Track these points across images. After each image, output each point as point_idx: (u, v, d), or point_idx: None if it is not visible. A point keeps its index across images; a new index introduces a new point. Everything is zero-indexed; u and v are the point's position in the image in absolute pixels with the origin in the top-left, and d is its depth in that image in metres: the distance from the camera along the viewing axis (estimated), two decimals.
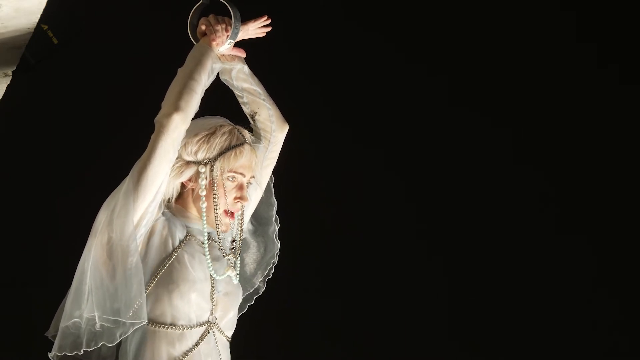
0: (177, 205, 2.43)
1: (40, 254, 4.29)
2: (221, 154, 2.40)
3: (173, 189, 2.42)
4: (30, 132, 4.39)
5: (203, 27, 2.43)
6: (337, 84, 4.41)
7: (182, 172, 2.39)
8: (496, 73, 4.35)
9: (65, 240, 3.23)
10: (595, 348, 4.15)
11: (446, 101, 4.38)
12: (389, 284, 4.34)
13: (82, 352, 2.23)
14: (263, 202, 2.62)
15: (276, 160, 2.61)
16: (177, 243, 2.37)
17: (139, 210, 2.25)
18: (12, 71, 3.17)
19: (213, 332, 2.38)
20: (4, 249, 4.34)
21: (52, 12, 2.98)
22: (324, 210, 4.37)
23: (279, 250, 2.64)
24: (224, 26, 2.42)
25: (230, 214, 2.42)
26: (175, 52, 2.49)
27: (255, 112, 2.56)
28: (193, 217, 2.42)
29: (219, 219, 2.39)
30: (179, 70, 2.36)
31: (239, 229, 2.47)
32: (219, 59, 2.44)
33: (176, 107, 2.28)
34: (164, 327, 2.31)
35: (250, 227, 2.64)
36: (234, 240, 2.46)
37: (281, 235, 2.66)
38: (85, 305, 2.21)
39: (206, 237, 2.40)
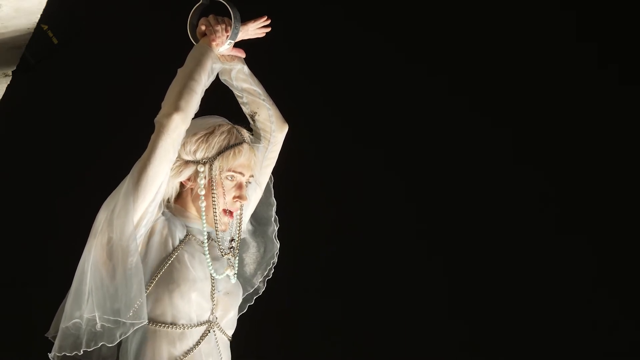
0: (176, 205, 2.43)
1: (40, 254, 4.30)
2: (220, 153, 2.40)
3: (172, 189, 2.42)
4: (30, 132, 4.39)
5: (203, 28, 2.43)
6: (337, 84, 4.41)
7: (181, 171, 2.39)
8: (496, 73, 4.35)
9: (65, 240, 3.23)
10: (595, 348, 4.15)
11: (446, 101, 4.38)
12: (389, 284, 4.34)
13: (82, 352, 2.23)
14: (262, 202, 2.62)
15: (276, 160, 2.61)
16: (177, 243, 2.37)
17: (139, 210, 2.26)
18: (12, 71, 3.17)
19: (214, 331, 2.38)
20: (4, 249, 4.34)
21: (52, 12, 2.98)
22: (324, 210, 4.37)
23: (279, 250, 2.65)
24: (223, 26, 2.42)
25: (229, 213, 2.42)
26: (175, 52, 2.49)
27: (255, 112, 2.56)
28: (192, 217, 2.42)
29: (218, 218, 2.40)
30: (179, 70, 2.36)
31: (238, 228, 2.47)
32: (219, 59, 2.44)
33: (176, 107, 2.28)
34: (164, 326, 2.31)
35: (250, 227, 2.64)
36: (232, 240, 2.46)
37: (281, 235, 2.66)
38: (85, 305, 2.21)
39: (206, 237, 2.40)
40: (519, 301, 4.24)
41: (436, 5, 4.40)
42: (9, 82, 3.21)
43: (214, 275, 2.38)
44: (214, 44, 2.41)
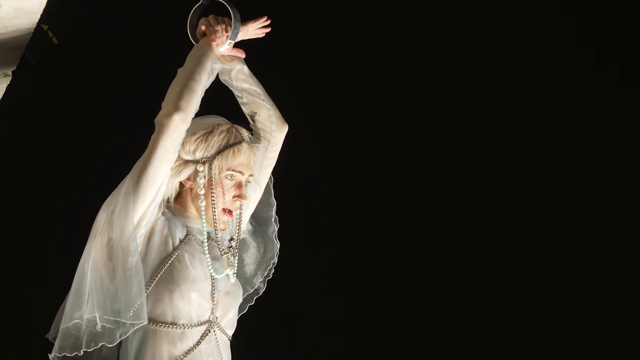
0: (176, 205, 2.43)
1: (40, 254, 4.30)
2: (219, 152, 2.41)
3: (172, 189, 2.42)
4: (30, 132, 4.39)
5: (203, 28, 2.43)
6: (337, 84, 4.41)
7: (181, 171, 2.40)
8: (496, 73, 4.35)
9: (65, 240, 3.23)
10: (595, 348, 4.15)
11: (446, 101, 4.38)
12: (389, 284, 4.34)
13: (82, 352, 2.23)
14: (262, 203, 2.62)
15: (276, 161, 2.61)
16: (177, 242, 2.37)
17: (139, 210, 2.26)
18: (12, 71, 3.17)
19: (214, 331, 2.38)
20: (4, 249, 4.34)
21: (52, 12, 2.98)
22: (324, 210, 4.37)
23: (279, 250, 2.65)
24: (223, 26, 2.42)
25: (228, 212, 2.42)
26: (175, 52, 2.50)
27: (255, 113, 2.57)
28: (192, 217, 2.42)
29: (217, 217, 2.40)
30: (179, 70, 2.36)
31: (237, 227, 2.47)
32: (219, 59, 2.44)
33: (176, 107, 2.28)
34: (165, 326, 2.31)
35: (250, 227, 2.64)
36: (231, 239, 2.46)
37: (281, 235, 2.66)
38: (85, 306, 2.21)
39: (205, 237, 2.40)
40: (519, 301, 4.24)
41: (436, 6, 4.40)
42: (9, 82, 3.21)
43: (213, 274, 2.38)
44: (214, 44, 2.41)
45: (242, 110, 2.58)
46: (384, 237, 4.36)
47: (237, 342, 2.50)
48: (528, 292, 4.24)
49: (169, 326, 2.31)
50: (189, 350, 2.33)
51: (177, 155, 2.33)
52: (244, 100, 2.56)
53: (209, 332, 2.37)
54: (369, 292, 4.34)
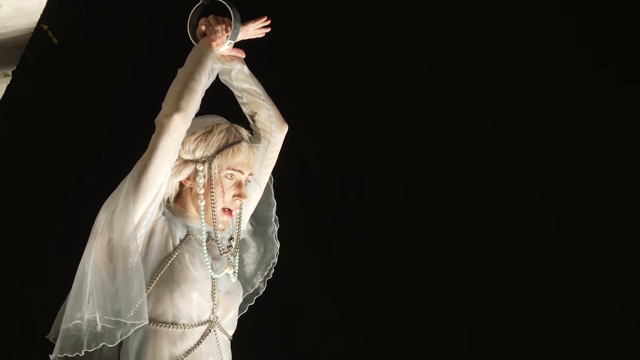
0: (176, 205, 2.43)
1: (40, 254, 4.30)
2: (219, 151, 2.41)
3: (172, 188, 2.42)
4: (30, 132, 4.39)
5: (203, 28, 2.43)
6: (337, 84, 4.41)
7: (181, 170, 2.40)
8: (496, 73, 4.35)
9: (65, 241, 3.23)
10: (595, 348, 4.15)
11: (446, 101, 4.38)
12: (389, 284, 4.34)
13: (83, 353, 2.23)
14: (262, 203, 2.62)
15: (276, 161, 2.61)
16: (177, 242, 2.37)
17: (139, 210, 2.26)
18: (12, 71, 3.17)
19: (214, 331, 2.38)
20: (4, 249, 4.34)
21: (52, 12, 2.98)
22: (324, 210, 4.37)
23: (279, 250, 2.65)
24: (223, 27, 2.42)
25: (228, 211, 2.42)
26: (175, 52, 2.50)
27: (255, 113, 2.57)
28: (192, 216, 2.42)
29: (216, 217, 2.40)
30: (179, 70, 2.36)
31: (237, 227, 2.47)
32: (219, 59, 2.44)
33: (177, 108, 2.28)
34: (165, 326, 2.31)
35: (250, 227, 2.64)
36: (231, 239, 2.46)
37: (281, 235, 2.66)
38: (86, 306, 2.21)
39: (205, 236, 2.40)
40: (519, 301, 4.24)
41: (436, 6, 4.40)
42: (9, 82, 3.22)
43: (212, 275, 2.38)
44: (214, 44, 2.41)
45: (242, 110, 2.59)
46: (384, 237, 4.36)
47: (238, 342, 2.50)
48: (528, 291, 4.24)
49: (169, 326, 2.32)
50: (189, 350, 2.33)
51: (177, 155, 2.33)
52: (244, 100, 2.56)
53: (210, 331, 2.37)
54: (369, 292, 4.34)
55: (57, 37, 3.82)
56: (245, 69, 2.53)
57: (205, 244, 2.39)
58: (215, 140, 2.41)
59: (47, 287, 3.61)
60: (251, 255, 2.65)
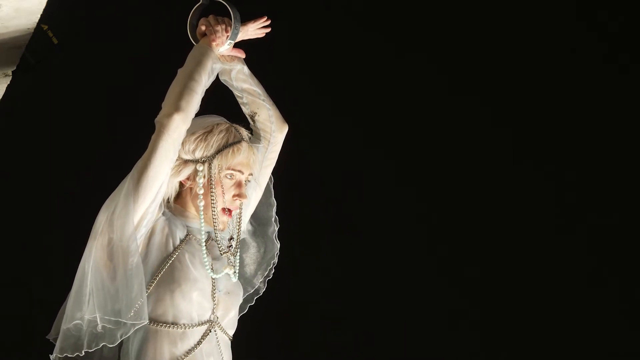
0: (176, 205, 2.43)
1: (40, 254, 4.30)
2: (219, 151, 2.41)
3: (172, 188, 2.42)
4: (30, 132, 4.40)
5: (203, 28, 2.43)
6: (337, 84, 4.41)
7: (180, 170, 2.40)
8: (496, 73, 4.35)
9: (65, 241, 3.23)
10: (595, 348, 4.15)
11: (447, 101, 4.38)
12: (390, 283, 4.34)
13: (84, 353, 2.23)
14: (263, 203, 2.63)
15: (276, 161, 2.61)
16: (177, 242, 2.37)
17: (139, 210, 2.26)
18: (12, 71, 3.18)
19: (215, 331, 2.39)
20: (4, 249, 4.34)
21: (52, 12, 2.98)
22: (324, 210, 4.37)
23: (279, 250, 2.65)
24: (223, 27, 2.42)
25: (228, 211, 2.42)
26: (175, 52, 2.50)
27: (255, 113, 2.57)
28: (192, 216, 2.43)
29: (216, 217, 2.40)
30: (179, 70, 2.36)
31: (237, 227, 2.47)
32: (219, 59, 2.44)
33: (177, 108, 2.28)
34: (165, 326, 2.31)
35: (250, 227, 2.64)
36: (231, 238, 2.46)
37: (281, 235, 2.66)
38: (86, 307, 2.22)
39: (204, 236, 2.40)
40: (519, 301, 4.23)
41: (436, 6, 4.40)
42: (9, 82, 3.22)
43: (212, 275, 2.39)
44: (214, 44, 2.41)
45: (242, 110, 2.59)
46: (384, 237, 4.36)
47: (238, 342, 2.50)
48: (528, 291, 4.23)
49: (170, 326, 2.32)
50: (190, 350, 2.33)
51: (177, 155, 2.33)
52: (244, 100, 2.56)
53: (210, 331, 2.37)
54: (370, 292, 4.34)
55: (57, 37, 3.82)
56: (245, 69, 2.53)
57: (204, 244, 2.39)
58: (215, 140, 2.41)
59: (47, 287, 3.62)
60: (251, 255, 2.65)
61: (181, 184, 2.43)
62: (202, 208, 2.39)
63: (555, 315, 4.21)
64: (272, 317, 3.98)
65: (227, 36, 2.42)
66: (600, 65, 4.26)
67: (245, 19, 2.47)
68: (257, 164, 2.51)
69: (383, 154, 4.40)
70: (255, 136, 2.58)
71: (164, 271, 2.32)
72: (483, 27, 4.38)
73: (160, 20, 4.05)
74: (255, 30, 2.52)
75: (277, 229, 2.66)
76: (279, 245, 2.65)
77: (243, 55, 2.53)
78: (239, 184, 2.43)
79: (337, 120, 4.38)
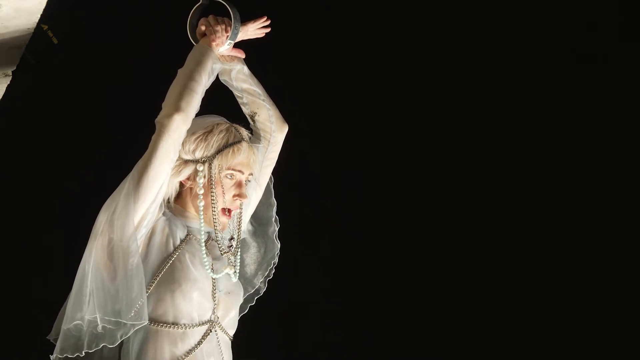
0: (176, 205, 2.43)
1: (41, 254, 4.30)
2: (219, 151, 2.41)
3: (172, 189, 2.42)
4: (30, 132, 4.40)
5: (203, 28, 2.43)
6: (337, 84, 4.41)
7: (181, 171, 2.40)
8: (496, 73, 4.35)
9: (65, 241, 3.23)
10: (595, 348, 4.15)
11: (447, 101, 4.38)
12: (390, 283, 4.34)
13: (84, 353, 2.23)
14: (263, 203, 2.63)
15: (276, 161, 2.61)
16: (178, 243, 2.37)
17: (139, 211, 2.26)
18: (12, 71, 3.18)
19: (215, 331, 2.39)
20: (4, 249, 4.34)
21: (52, 12, 2.99)
22: (324, 210, 4.37)
23: (279, 250, 2.65)
24: (223, 27, 2.42)
25: (228, 212, 2.42)
26: (175, 52, 2.50)
27: (255, 113, 2.57)
28: (192, 217, 2.43)
29: (216, 217, 2.40)
30: (179, 71, 2.36)
31: (237, 227, 2.47)
32: (219, 59, 2.44)
33: (177, 108, 2.28)
34: (166, 326, 2.31)
35: (250, 227, 2.64)
36: (231, 238, 2.46)
37: (281, 235, 2.66)
38: (86, 307, 2.22)
39: (204, 236, 2.40)
40: (519, 301, 4.23)
41: (436, 6, 4.40)
42: (9, 82, 3.22)
43: (212, 275, 2.39)
44: (214, 44, 2.41)
45: (242, 110, 2.59)
46: (384, 237, 4.36)
47: (238, 342, 2.50)
48: (528, 291, 4.23)
49: (170, 326, 2.32)
50: (190, 350, 2.33)
51: (177, 156, 2.33)
52: (244, 100, 2.56)
53: (210, 331, 2.37)
54: (370, 292, 4.34)
55: (57, 37, 3.82)
56: (245, 69, 2.53)
57: (204, 244, 2.39)
58: (216, 140, 2.41)
59: (47, 288, 3.61)
60: (252, 255, 2.65)
61: (181, 184, 2.43)
62: (202, 208, 2.39)
63: (555, 315, 4.21)
64: (272, 317, 3.98)
65: (227, 36, 2.42)
66: (600, 65, 4.26)
67: (245, 19, 2.47)
68: (257, 164, 2.51)
69: (383, 154, 4.40)
70: (255, 136, 2.58)
71: (165, 271, 2.32)
72: (483, 28, 4.38)
73: (160, 20, 4.06)
74: (255, 30, 2.52)
75: (277, 229, 2.66)
76: (279, 245, 2.65)
77: (243, 55, 2.53)
78: (239, 184, 2.43)
79: (337, 120, 4.38)
